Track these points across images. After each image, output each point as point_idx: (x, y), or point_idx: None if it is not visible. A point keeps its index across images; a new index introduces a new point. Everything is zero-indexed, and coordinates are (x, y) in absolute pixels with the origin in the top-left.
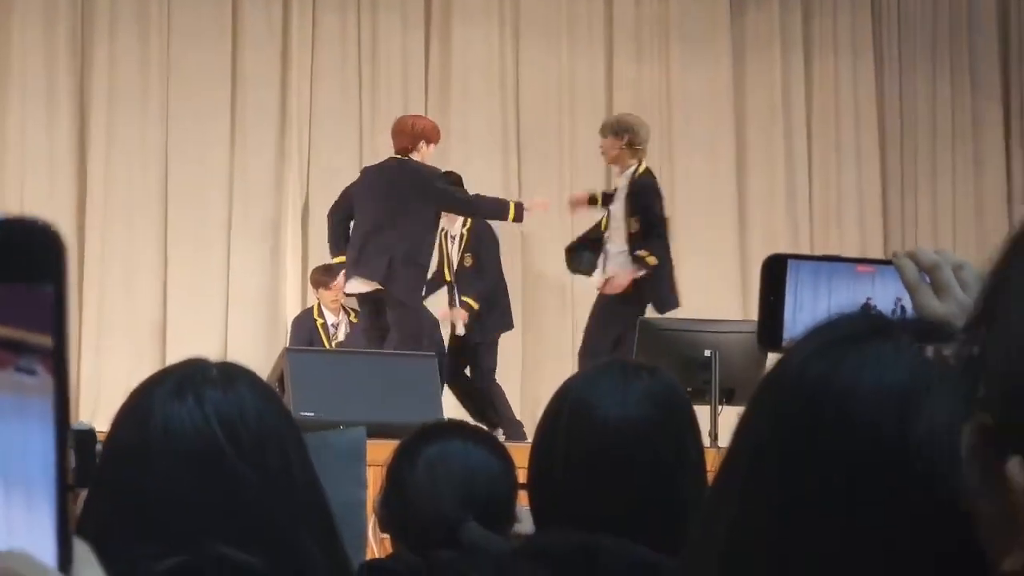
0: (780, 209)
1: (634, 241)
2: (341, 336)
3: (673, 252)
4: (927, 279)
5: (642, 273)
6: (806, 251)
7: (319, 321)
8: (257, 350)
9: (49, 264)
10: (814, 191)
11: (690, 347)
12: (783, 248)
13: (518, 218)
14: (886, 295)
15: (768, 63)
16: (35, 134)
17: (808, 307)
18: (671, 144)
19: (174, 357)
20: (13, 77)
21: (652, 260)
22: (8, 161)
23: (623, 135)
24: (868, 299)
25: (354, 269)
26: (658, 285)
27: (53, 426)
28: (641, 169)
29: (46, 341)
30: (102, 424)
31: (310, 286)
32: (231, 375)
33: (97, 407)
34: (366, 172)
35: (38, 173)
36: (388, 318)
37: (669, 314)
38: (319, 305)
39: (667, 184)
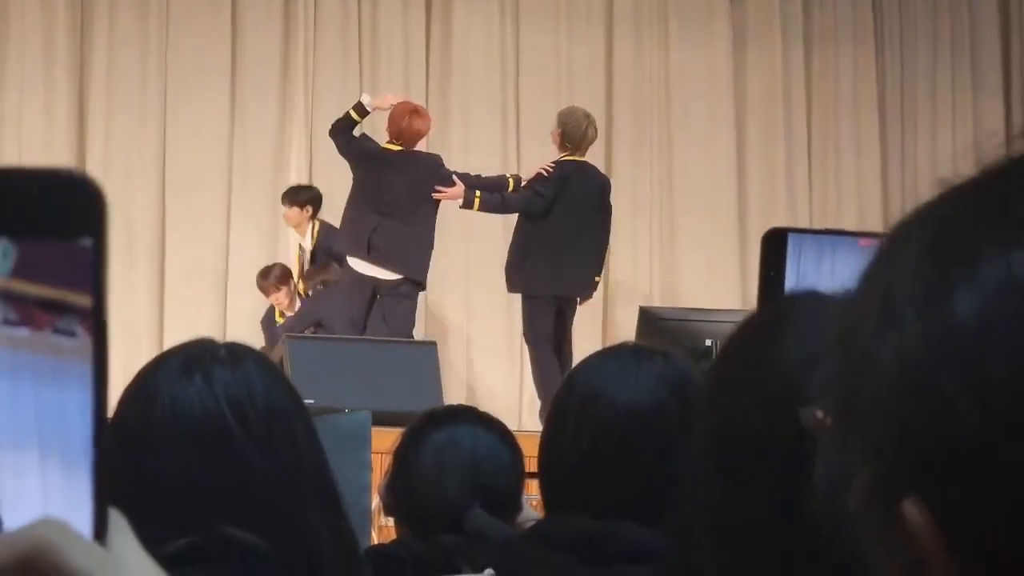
0: (780, 198)
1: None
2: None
3: (672, 242)
4: None
5: (459, 200)
6: None
7: (279, 323)
8: (256, 338)
9: (88, 217)
10: (813, 180)
11: (691, 336)
12: None
13: (517, 188)
14: None
15: (768, 51)
16: (32, 118)
17: (811, 281)
18: (670, 131)
19: (172, 344)
20: (11, 60)
21: (477, 203)
22: (5, 144)
23: (560, 126)
24: None
25: (376, 258)
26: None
27: (92, 390)
28: (560, 157)
29: (85, 300)
30: None
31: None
32: (239, 355)
33: None
34: (392, 156)
35: (35, 157)
36: (381, 307)
37: (671, 304)
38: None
39: (665, 171)
